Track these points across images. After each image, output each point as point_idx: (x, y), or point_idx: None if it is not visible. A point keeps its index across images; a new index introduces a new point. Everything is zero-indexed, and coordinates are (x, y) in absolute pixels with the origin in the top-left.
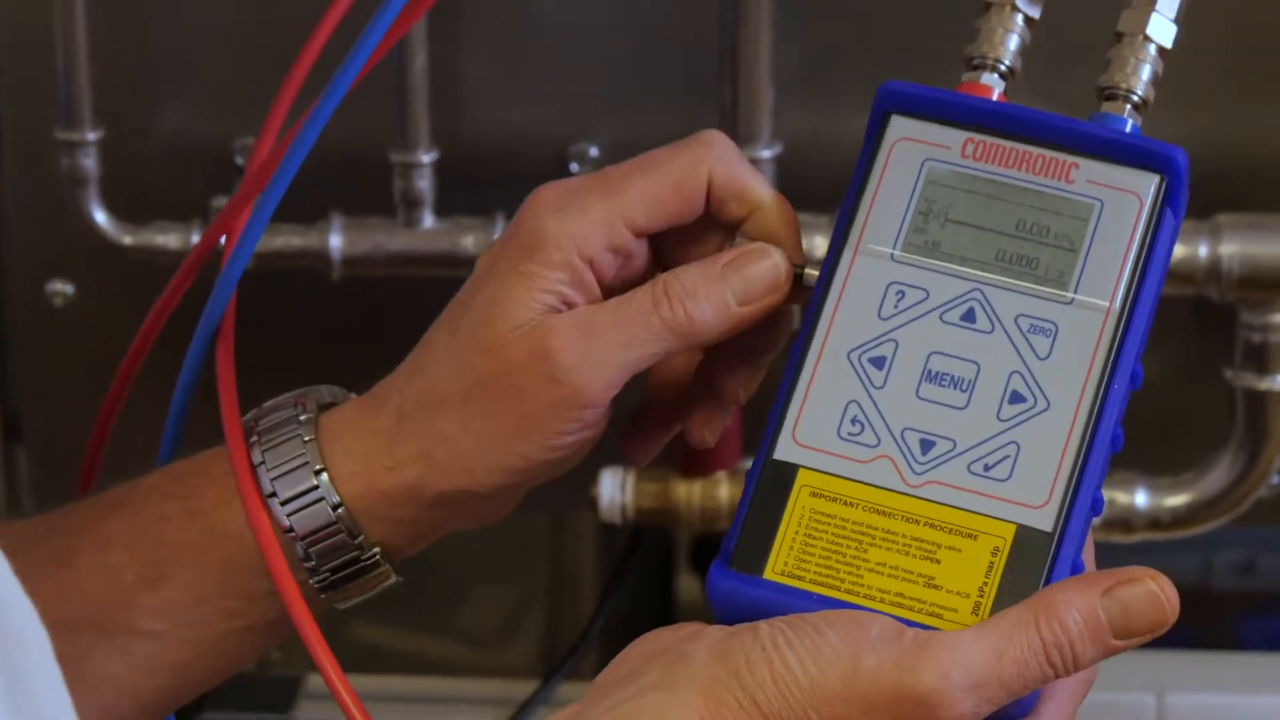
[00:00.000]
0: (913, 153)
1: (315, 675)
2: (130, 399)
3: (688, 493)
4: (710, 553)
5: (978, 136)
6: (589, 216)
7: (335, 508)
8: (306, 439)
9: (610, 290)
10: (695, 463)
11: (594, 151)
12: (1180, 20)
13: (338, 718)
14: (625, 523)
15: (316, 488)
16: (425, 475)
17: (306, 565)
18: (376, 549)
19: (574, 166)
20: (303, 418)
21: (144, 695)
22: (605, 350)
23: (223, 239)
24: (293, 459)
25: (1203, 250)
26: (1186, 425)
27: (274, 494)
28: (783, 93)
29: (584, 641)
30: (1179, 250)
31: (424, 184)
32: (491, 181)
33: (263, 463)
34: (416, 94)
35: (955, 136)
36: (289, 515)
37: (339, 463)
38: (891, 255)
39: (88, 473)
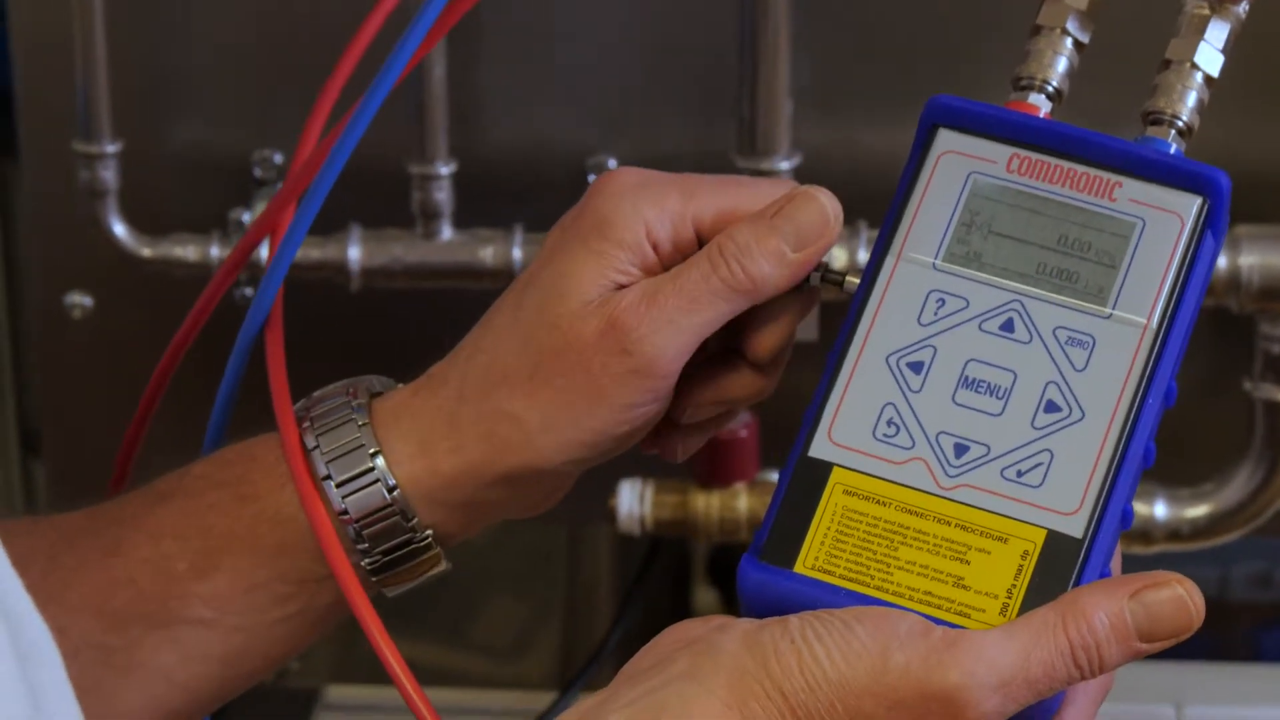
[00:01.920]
0: (958, 165)
1: (333, 687)
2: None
3: (706, 504)
4: (727, 565)
5: (1023, 152)
6: (664, 205)
7: (391, 490)
8: (361, 423)
9: None
10: (714, 474)
11: (612, 163)
12: (1228, 51)
13: None
14: (643, 534)
15: (372, 470)
16: (489, 454)
17: (359, 548)
18: (429, 532)
19: (592, 178)
20: (355, 403)
21: (195, 686)
22: (672, 316)
23: (262, 254)
24: (347, 442)
25: (1222, 261)
26: (1206, 436)
27: (329, 477)
28: (797, 105)
29: (601, 653)
30: None
31: (442, 196)
32: (510, 194)
33: (316, 447)
34: (435, 106)
35: (1001, 151)
36: (344, 498)
37: (396, 446)
38: (934, 264)
39: (120, 473)
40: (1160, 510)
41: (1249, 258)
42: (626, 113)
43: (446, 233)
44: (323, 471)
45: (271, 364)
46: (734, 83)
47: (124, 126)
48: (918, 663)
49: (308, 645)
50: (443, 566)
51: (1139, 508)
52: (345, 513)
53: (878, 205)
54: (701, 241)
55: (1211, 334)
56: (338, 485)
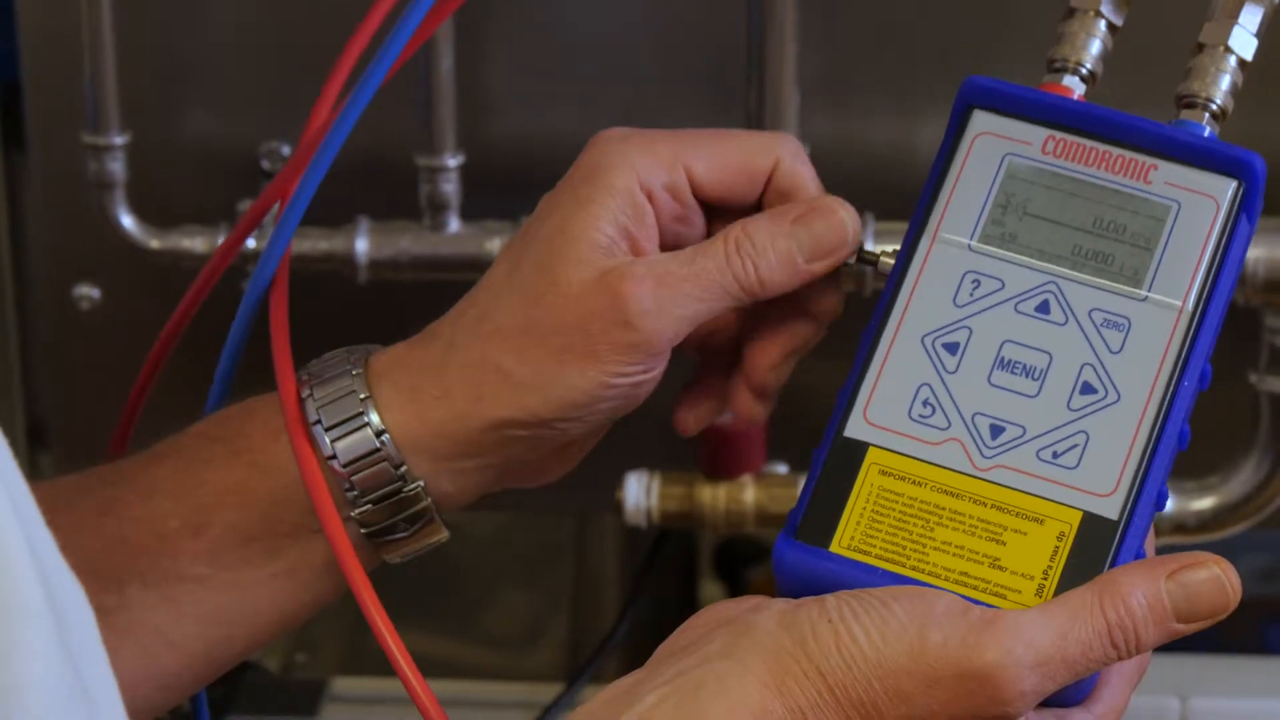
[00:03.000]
0: (994, 147)
1: (340, 679)
2: (157, 411)
3: (713, 496)
4: (733, 558)
5: (1059, 134)
6: (654, 150)
7: (379, 434)
8: (355, 373)
9: (666, 247)
10: (721, 466)
11: None
12: (1261, 34)
13: None
14: (650, 526)
15: (361, 415)
16: (474, 403)
17: (349, 495)
18: (420, 483)
19: None
20: (353, 358)
21: (190, 647)
22: (679, 301)
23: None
24: (339, 388)
25: None
26: (1211, 429)
27: (319, 421)
28: (804, 96)
29: (608, 645)
30: None
31: (450, 188)
32: (517, 186)
33: (310, 395)
34: (443, 99)
35: (1037, 133)
36: (333, 442)
37: (386, 393)
38: (969, 245)
39: (119, 440)
40: (1167, 503)
41: (1255, 250)
42: (634, 105)
43: (454, 225)
44: (313, 417)
45: (275, 320)
46: (742, 74)
47: (132, 118)
48: (956, 642)
49: (304, 614)
50: (442, 535)
51: None
52: (334, 457)
53: (885, 196)
54: (695, 192)
55: None
56: (327, 429)
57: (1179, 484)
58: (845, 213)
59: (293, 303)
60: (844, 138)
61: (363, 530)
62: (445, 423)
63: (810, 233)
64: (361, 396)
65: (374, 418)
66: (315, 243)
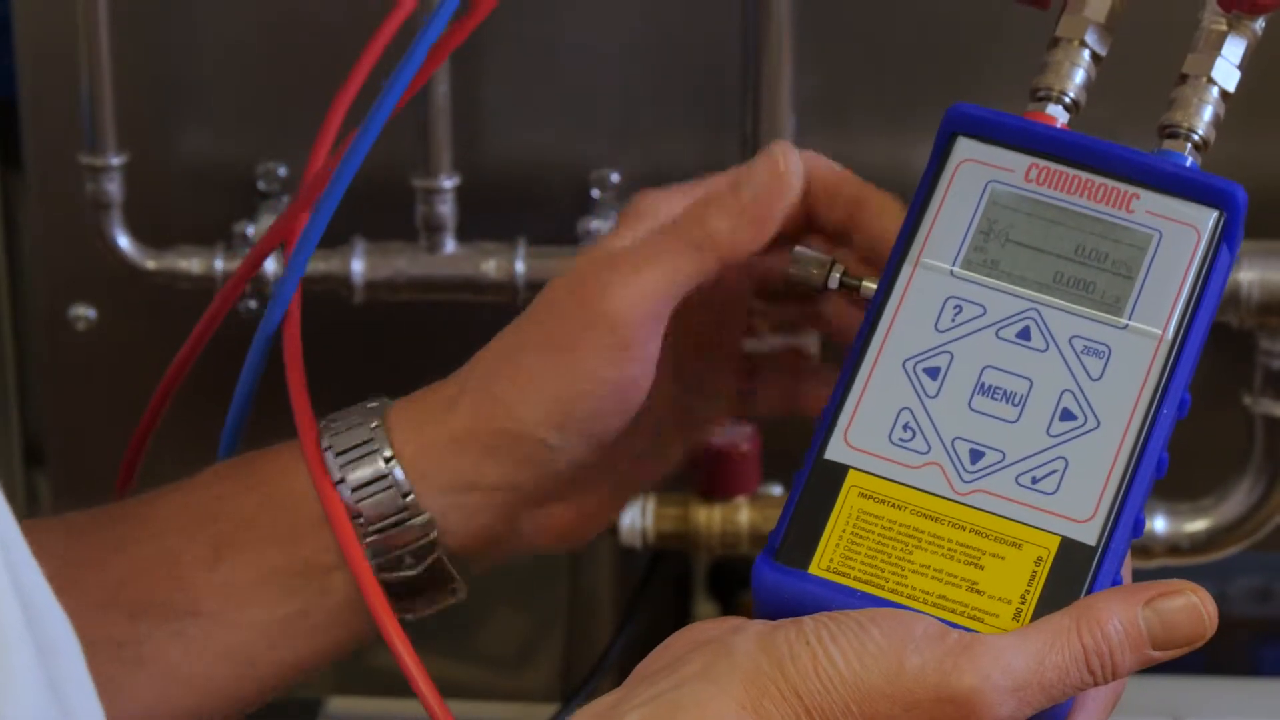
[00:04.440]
0: (977, 174)
1: (334, 698)
2: (153, 432)
3: (708, 517)
4: (728, 578)
5: (1042, 162)
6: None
7: (388, 460)
8: (371, 405)
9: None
10: (715, 488)
11: (615, 178)
12: (1244, 66)
13: None
14: (645, 547)
15: (370, 441)
16: (473, 423)
17: (356, 521)
18: (428, 515)
19: (595, 193)
20: (372, 403)
21: (205, 684)
22: (627, 274)
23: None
24: (354, 419)
25: None
26: (1205, 451)
27: (330, 447)
28: (800, 118)
29: (602, 666)
30: None
31: (446, 209)
32: (513, 207)
33: (326, 427)
34: (439, 120)
35: (1020, 161)
36: (340, 467)
37: (397, 423)
38: (951, 271)
39: (124, 479)
40: (1160, 524)
41: (1249, 273)
42: (630, 126)
43: (450, 246)
44: (325, 443)
45: (288, 352)
46: (737, 96)
47: (129, 139)
48: (933, 666)
49: (320, 659)
50: (457, 589)
51: None
52: (342, 481)
53: None
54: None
55: (1211, 349)
56: (338, 454)
57: (1173, 506)
58: (779, 150)
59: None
60: (839, 159)
61: (374, 558)
62: (446, 444)
63: (748, 179)
64: (373, 425)
65: (383, 442)
66: (312, 263)
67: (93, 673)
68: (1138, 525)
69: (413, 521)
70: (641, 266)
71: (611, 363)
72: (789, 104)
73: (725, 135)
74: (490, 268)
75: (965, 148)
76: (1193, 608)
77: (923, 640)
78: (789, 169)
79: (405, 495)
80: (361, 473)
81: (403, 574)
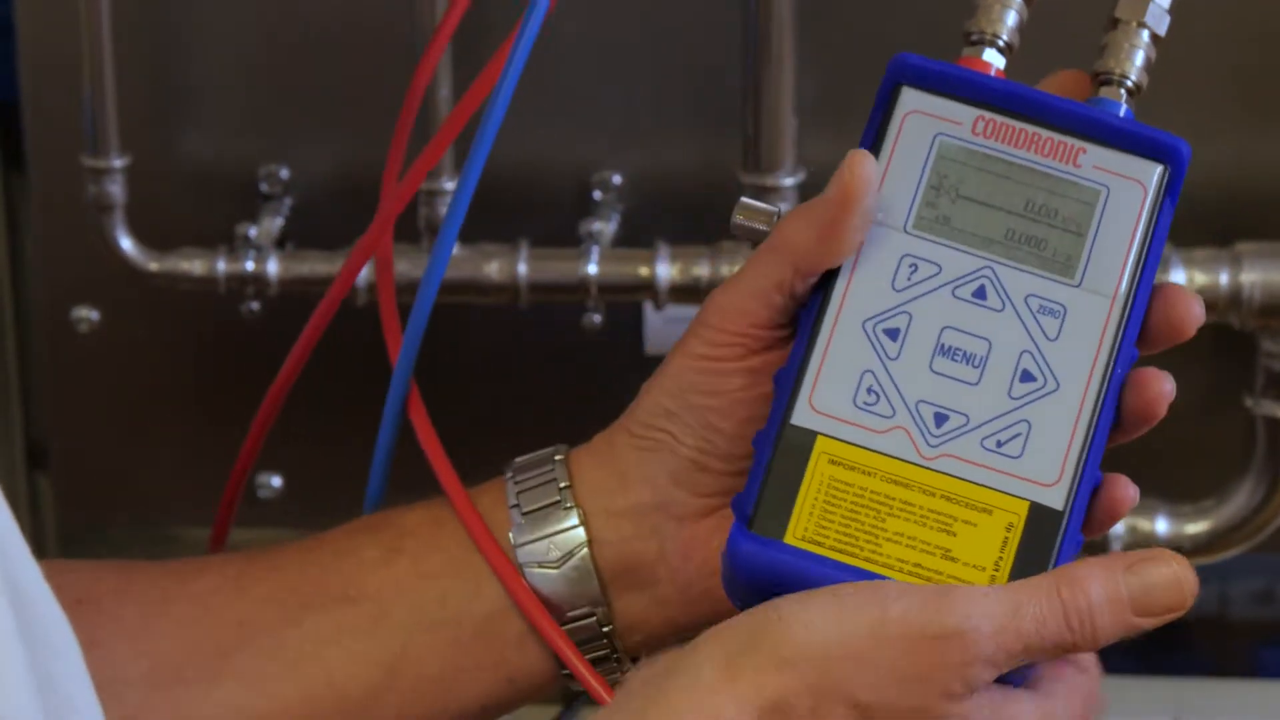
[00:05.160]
0: (924, 126)
1: None
2: (156, 434)
3: None
4: None
5: (989, 115)
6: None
7: (562, 488)
8: (558, 457)
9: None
10: None
11: (617, 179)
12: (1172, 9)
13: None
14: None
15: (550, 467)
16: (638, 460)
17: (517, 546)
18: (581, 528)
19: (597, 194)
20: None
21: (348, 688)
22: (730, 280)
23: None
24: (538, 458)
25: (1223, 278)
26: (1207, 453)
27: (510, 474)
28: (802, 120)
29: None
30: (1200, 278)
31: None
32: (515, 209)
33: (511, 476)
34: (440, 123)
35: (967, 113)
36: (519, 494)
37: (576, 456)
38: (905, 228)
39: (219, 531)
40: (1161, 526)
41: (1250, 274)
42: (631, 129)
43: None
44: (507, 473)
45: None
46: (739, 98)
47: (131, 141)
48: (916, 609)
49: (465, 693)
50: (612, 654)
51: (1141, 524)
52: (516, 506)
53: None
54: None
55: (1213, 350)
56: (514, 477)
57: (1174, 507)
58: (853, 165)
59: (290, 327)
60: (839, 161)
61: (530, 575)
62: (608, 471)
63: (825, 195)
64: (557, 456)
65: (560, 467)
66: (314, 266)
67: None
68: (1095, 483)
69: (569, 527)
70: (739, 273)
71: (702, 340)
72: (790, 106)
73: (726, 137)
74: (492, 269)
75: (911, 99)
76: (1174, 576)
77: (900, 591)
78: (854, 176)
79: (568, 505)
80: (534, 487)
81: (550, 574)
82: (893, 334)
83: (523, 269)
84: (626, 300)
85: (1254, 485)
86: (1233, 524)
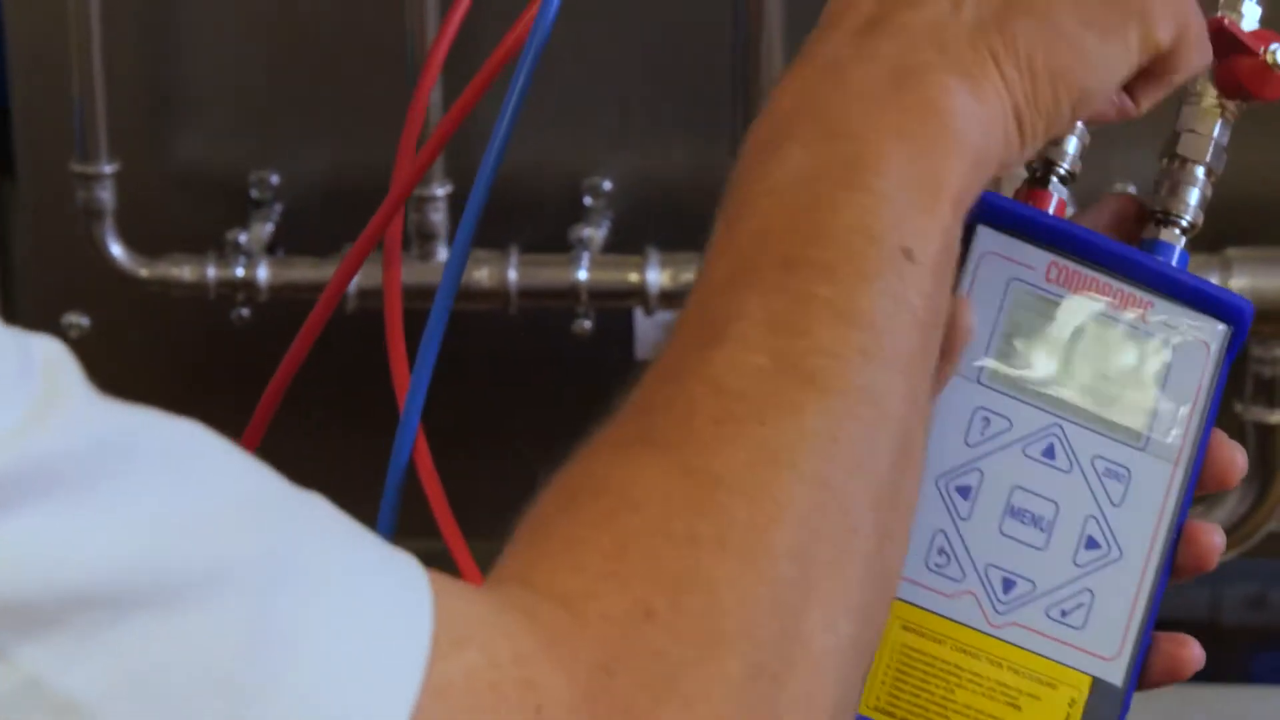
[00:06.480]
0: (1000, 269)
1: None
2: None
3: None
4: None
5: (1061, 260)
6: None
7: None
8: None
9: None
10: None
11: (607, 185)
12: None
13: None
14: None
15: None
16: None
17: None
18: None
19: (587, 200)
20: None
21: None
22: None
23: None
24: None
25: (1213, 283)
26: None
27: None
28: None
29: None
30: None
31: (438, 217)
32: (505, 215)
33: None
34: (431, 129)
35: (1040, 257)
36: None
37: None
38: (979, 379)
39: None
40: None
41: (1239, 280)
42: (621, 134)
43: (442, 254)
44: None
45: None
46: (729, 103)
47: (121, 147)
48: None
49: None
50: None
51: None
52: None
53: None
54: None
55: None
56: None
57: None
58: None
59: (280, 333)
60: None
61: None
62: None
63: None
64: None
65: None
66: (303, 272)
67: None
68: (1148, 646)
69: None
70: None
71: None
72: None
73: (717, 142)
74: (483, 276)
75: (987, 239)
76: None
77: None
78: (960, 330)
79: None
80: None
81: None
82: (964, 492)
83: (513, 275)
84: (617, 306)
85: (1244, 490)
86: (1224, 529)
